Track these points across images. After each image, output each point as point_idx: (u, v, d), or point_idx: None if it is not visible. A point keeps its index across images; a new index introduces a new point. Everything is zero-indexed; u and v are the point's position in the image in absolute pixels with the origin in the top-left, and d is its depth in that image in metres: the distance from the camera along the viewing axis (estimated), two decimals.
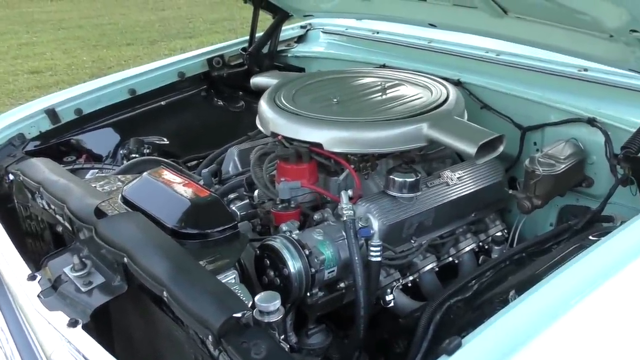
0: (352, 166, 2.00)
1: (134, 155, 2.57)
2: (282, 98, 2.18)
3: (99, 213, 1.74)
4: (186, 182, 1.84)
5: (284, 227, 1.79)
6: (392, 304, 1.91)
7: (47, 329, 1.63)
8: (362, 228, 1.76)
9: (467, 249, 2.15)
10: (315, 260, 1.71)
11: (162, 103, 2.86)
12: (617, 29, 1.63)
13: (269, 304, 1.37)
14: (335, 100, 2.14)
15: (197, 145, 2.75)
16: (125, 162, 2.59)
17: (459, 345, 1.14)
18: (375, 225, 1.74)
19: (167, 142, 2.73)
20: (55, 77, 8.75)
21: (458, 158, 2.36)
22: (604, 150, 2.06)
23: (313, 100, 2.16)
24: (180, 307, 1.37)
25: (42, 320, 1.65)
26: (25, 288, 1.76)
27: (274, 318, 1.37)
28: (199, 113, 2.95)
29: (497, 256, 2.06)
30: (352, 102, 2.14)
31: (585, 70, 2.23)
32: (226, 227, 1.69)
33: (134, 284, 1.64)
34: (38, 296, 1.71)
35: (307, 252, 1.70)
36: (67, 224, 1.97)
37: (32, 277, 1.78)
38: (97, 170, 2.45)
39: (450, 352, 1.14)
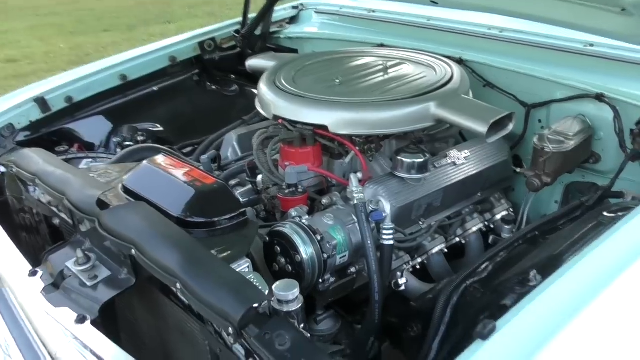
0: (357, 148, 1.95)
1: (127, 143, 2.50)
2: (282, 80, 2.11)
3: (102, 204, 1.68)
4: (189, 169, 1.78)
5: (293, 212, 1.74)
6: (403, 287, 1.87)
7: (52, 327, 1.58)
8: (374, 211, 1.71)
9: (474, 229, 2.12)
10: (328, 245, 1.66)
11: (155, 88, 2.78)
12: (635, 3, 1.59)
13: (288, 292, 1.33)
14: (337, 81, 2.08)
15: (191, 131, 2.68)
16: (119, 150, 2.52)
17: (493, 330, 1.11)
18: (387, 208, 1.69)
19: (161, 129, 2.66)
20: (33, 66, 8.57)
21: (460, 137, 2.33)
22: (611, 126, 2.04)
23: (315, 82, 2.10)
24: (196, 299, 1.32)
25: (47, 318, 1.60)
26: (27, 284, 1.70)
27: (293, 307, 1.34)
28: (192, 98, 2.88)
29: (508, 235, 2.02)
30: (355, 83, 2.09)
31: (591, 45, 2.19)
32: (234, 214, 1.63)
33: (142, 276, 1.59)
34: (41, 292, 1.65)
35: (318, 238, 1.66)
36: (65, 217, 1.91)
37: (33, 273, 1.72)
38: (90, 160, 2.38)
39: (485, 337, 1.10)
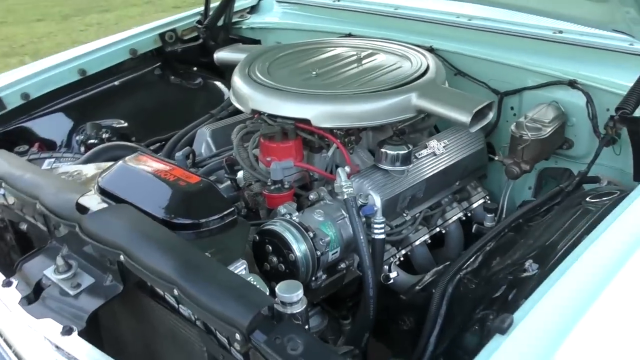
0: (339, 141, 1.92)
1: (92, 141, 2.39)
2: (257, 72, 2.06)
3: (81, 208, 1.59)
4: (170, 167, 1.71)
5: (282, 209, 1.70)
6: (392, 281, 1.86)
7: (33, 340, 1.50)
8: (364, 205, 1.69)
9: (454, 218, 2.13)
10: (321, 242, 1.63)
11: (116, 83, 2.67)
12: None
13: (292, 294, 1.28)
14: (314, 73, 2.04)
15: (156, 127, 2.59)
16: (82, 149, 2.41)
17: (511, 323, 1.10)
18: (377, 201, 1.68)
19: (126, 125, 2.55)
20: None
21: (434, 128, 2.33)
22: (584, 111, 2.08)
23: (291, 74, 2.06)
24: (196, 305, 1.27)
25: (27, 331, 1.51)
26: (1, 296, 1.60)
27: (297, 309, 1.29)
28: (155, 92, 2.78)
29: (491, 224, 2.04)
30: (332, 74, 2.05)
31: (561, 32, 2.22)
32: (224, 214, 1.58)
33: (129, 283, 1.52)
34: (19, 304, 1.56)
35: (311, 235, 1.62)
36: (37, 222, 1.81)
37: (7, 283, 1.63)
38: (54, 160, 2.26)
39: (504, 331, 1.09)
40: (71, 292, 1.54)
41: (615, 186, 1.93)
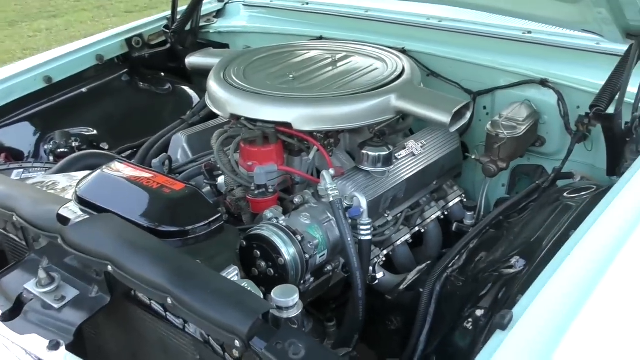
0: (319, 143, 1.92)
1: (61, 150, 2.33)
2: (233, 77, 2.04)
3: (63, 219, 1.55)
4: (152, 175, 1.68)
5: (268, 214, 1.69)
6: (377, 281, 1.87)
7: (17, 357, 1.45)
8: (350, 207, 1.69)
9: (433, 217, 2.16)
10: (309, 245, 1.63)
11: (83, 90, 2.61)
12: None
13: (288, 298, 1.29)
14: (291, 76, 2.04)
15: (127, 133, 2.54)
16: (52, 158, 2.35)
17: (511, 319, 1.12)
18: (363, 203, 1.68)
19: (95, 133, 2.49)
20: None
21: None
22: (555, 109, 2.13)
23: (268, 77, 2.05)
24: (192, 314, 1.25)
25: (11, 347, 1.46)
26: None
27: (293, 313, 1.30)
28: (124, 98, 2.72)
29: (471, 222, 2.07)
30: (309, 77, 2.05)
31: (529, 32, 2.28)
32: (210, 220, 1.56)
33: (117, 293, 1.48)
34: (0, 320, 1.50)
35: (299, 238, 1.62)
36: (13, 235, 1.75)
37: None
38: (22, 170, 2.19)
39: (504, 327, 1.11)
40: (55, 305, 1.49)
41: (589, 181, 1.99)
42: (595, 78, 2.04)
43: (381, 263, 1.94)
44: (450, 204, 2.23)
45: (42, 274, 1.52)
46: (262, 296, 1.36)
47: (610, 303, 1.15)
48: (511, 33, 2.31)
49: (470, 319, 1.44)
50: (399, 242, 2.02)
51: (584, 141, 2.07)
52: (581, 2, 1.80)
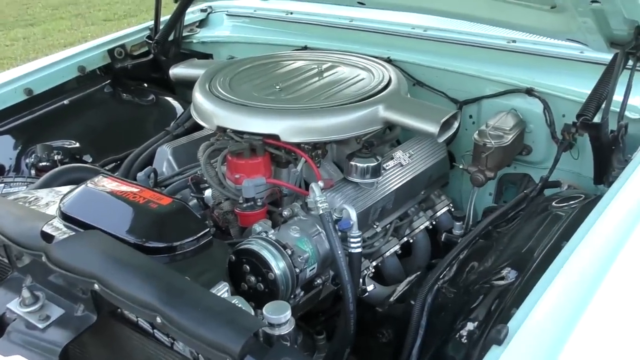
0: (307, 155, 1.91)
1: (43, 164, 2.28)
2: (219, 88, 2.02)
3: (47, 236, 1.51)
4: (139, 189, 1.65)
5: (257, 227, 1.67)
6: (367, 293, 1.85)
7: None
8: (339, 220, 1.68)
9: (422, 227, 2.15)
10: (299, 259, 1.61)
11: (65, 102, 2.57)
12: (578, 1, 1.66)
13: (280, 315, 1.26)
14: (277, 87, 2.02)
15: (110, 146, 2.51)
16: (33, 172, 2.30)
17: (507, 334, 1.11)
18: (353, 215, 1.67)
19: (78, 145, 2.45)
20: None
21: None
22: (541, 118, 2.14)
23: (254, 89, 2.03)
24: (183, 332, 1.22)
25: None
26: None
27: (285, 330, 1.28)
28: (106, 110, 2.69)
29: (460, 232, 2.07)
30: (295, 88, 2.04)
31: (514, 41, 2.29)
32: (199, 235, 1.53)
33: (103, 312, 1.45)
34: None
35: (289, 252, 1.60)
36: None
37: None
38: (3, 185, 2.15)
39: (500, 342, 1.10)
40: (40, 325, 1.45)
41: (576, 190, 1.99)
42: (580, 87, 2.06)
43: (371, 275, 1.93)
44: (438, 214, 2.22)
45: (25, 292, 1.48)
46: (253, 313, 1.34)
47: (606, 315, 1.14)
48: (496, 42, 2.32)
49: (463, 332, 1.43)
50: (388, 254, 2.01)
51: (570, 150, 2.08)
52: (566, 11, 1.80)
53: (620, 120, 1.82)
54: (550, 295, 1.16)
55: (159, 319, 1.26)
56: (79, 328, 1.45)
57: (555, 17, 1.89)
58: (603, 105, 1.79)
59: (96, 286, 1.36)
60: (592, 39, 1.87)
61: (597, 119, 1.80)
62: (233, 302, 1.34)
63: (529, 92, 2.13)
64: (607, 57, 1.92)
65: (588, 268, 1.21)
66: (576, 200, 1.75)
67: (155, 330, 1.38)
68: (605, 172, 1.84)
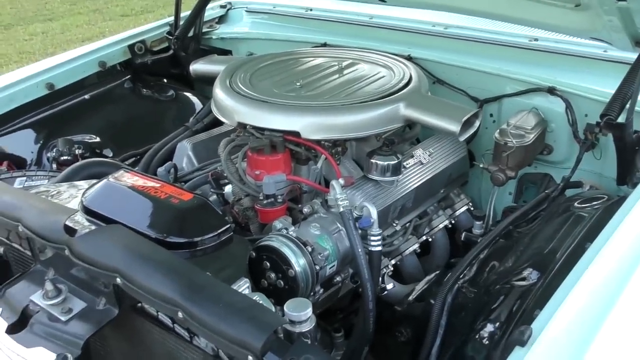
0: (327, 152, 1.90)
1: (64, 158, 2.30)
2: (239, 84, 2.02)
3: (70, 230, 1.52)
4: (160, 184, 1.65)
5: (278, 224, 1.67)
6: (386, 292, 1.85)
7: None
8: (360, 217, 1.67)
9: (441, 226, 2.14)
10: (319, 256, 1.61)
11: (86, 97, 2.58)
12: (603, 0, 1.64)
13: (301, 312, 1.26)
14: (298, 84, 2.02)
15: (130, 141, 2.52)
16: (54, 165, 2.32)
17: (530, 335, 1.10)
18: (374, 213, 1.66)
19: (98, 140, 2.47)
20: None
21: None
22: (563, 117, 2.12)
23: (274, 85, 2.03)
24: (204, 328, 1.23)
25: None
26: None
27: (306, 327, 1.28)
28: (127, 105, 2.70)
29: (479, 231, 2.05)
30: (316, 85, 2.03)
31: (536, 40, 2.27)
32: (220, 231, 1.54)
33: (125, 306, 1.46)
34: (5, 333, 1.48)
35: (309, 249, 1.60)
36: (17, 245, 1.73)
37: None
38: (25, 179, 2.16)
39: (524, 343, 1.09)
40: (62, 318, 1.47)
41: (598, 190, 1.97)
42: (603, 86, 2.03)
43: (390, 273, 1.92)
44: (457, 213, 2.21)
45: (48, 285, 1.50)
46: (273, 309, 1.34)
47: (632, 318, 1.13)
48: (517, 40, 2.30)
49: (483, 333, 1.42)
50: (407, 252, 2.00)
51: (592, 150, 2.06)
52: (590, 10, 1.78)
53: None
54: (574, 297, 1.15)
55: (180, 314, 1.26)
56: (100, 321, 1.46)
57: (580, 16, 1.87)
58: (627, 105, 1.77)
59: (118, 280, 1.37)
60: (617, 37, 1.85)
61: (621, 119, 1.78)
62: (254, 298, 1.34)
63: (551, 91, 2.11)
64: (631, 56, 1.90)
65: (613, 270, 1.20)
66: (599, 201, 1.73)
67: (175, 325, 1.39)
68: (629, 173, 1.82)
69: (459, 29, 2.43)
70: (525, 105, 2.19)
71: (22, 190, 1.82)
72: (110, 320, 1.46)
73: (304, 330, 1.27)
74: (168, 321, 1.40)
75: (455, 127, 1.80)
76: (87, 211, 1.63)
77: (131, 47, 2.76)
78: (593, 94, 2.05)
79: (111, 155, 2.40)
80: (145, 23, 2.99)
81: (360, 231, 1.66)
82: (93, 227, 1.55)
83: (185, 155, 2.18)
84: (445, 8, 2.23)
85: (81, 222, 1.58)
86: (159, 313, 1.40)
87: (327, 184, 1.84)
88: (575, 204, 1.78)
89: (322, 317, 1.89)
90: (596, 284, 1.18)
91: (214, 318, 1.22)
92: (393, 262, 1.97)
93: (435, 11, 2.39)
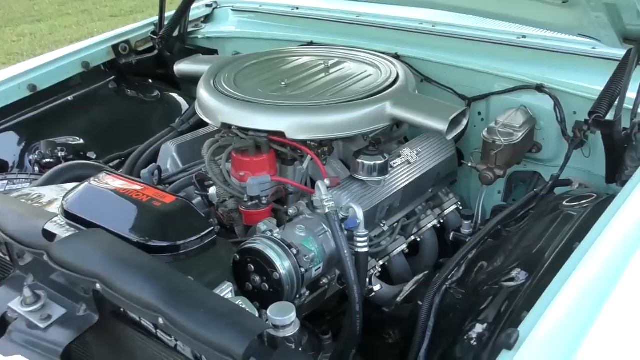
0: (313, 152, 1.88)
1: (47, 160, 2.26)
2: (224, 84, 1.99)
3: (49, 235, 1.49)
4: (142, 187, 1.62)
5: (262, 226, 1.64)
6: (373, 294, 1.82)
7: None
8: (346, 219, 1.65)
9: (429, 225, 2.11)
10: (304, 258, 1.58)
11: (69, 98, 2.54)
12: None
13: (285, 317, 1.24)
14: (283, 83, 1.99)
15: (114, 142, 2.48)
16: (37, 168, 2.28)
17: (518, 338, 1.08)
18: (360, 214, 1.63)
19: (82, 142, 2.43)
20: None
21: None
22: (551, 115, 2.10)
23: (259, 85, 2.00)
24: (185, 334, 1.20)
25: None
26: None
27: (290, 332, 1.25)
28: (111, 106, 2.66)
29: (468, 231, 2.03)
30: (301, 85, 2.01)
31: (524, 37, 2.25)
32: (202, 234, 1.51)
33: (105, 312, 1.43)
34: None
35: (294, 252, 1.57)
36: None
37: None
38: (7, 182, 2.13)
39: (511, 347, 1.07)
40: (41, 325, 1.43)
41: (587, 188, 1.96)
42: (591, 83, 2.02)
43: (377, 274, 1.90)
44: (446, 212, 2.19)
45: (27, 292, 1.47)
46: (257, 314, 1.31)
47: (621, 320, 1.11)
48: (505, 38, 2.28)
49: (472, 334, 1.39)
50: (395, 253, 1.98)
51: (581, 147, 2.04)
52: (578, 6, 1.76)
53: (634, 117, 1.78)
54: (562, 299, 1.12)
55: (161, 320, 1.23)
56: (80, 328, 1.44)
57: (567, 12, 1.85)
58: (616, 103, 1.75)
59: (98, 286, 1.34)
60: (605, 34, 1.83)
61: (609, 117, 1.77)
62: (237, 303, 1.32)
63: (539, 88, 2.09)
64: (619, 52, 1.88)
65: (601, 271, 1.18)
66: (588, 200, 1.71)
67: (158, 331, 1.36)
68: (618, 170, 1.80)
69: (446, 27, 2.41)
70: (513, 103, 2.16)
71: (1, 193, 1.78)
72: (90, 326, 1.43)
73: (287, 335, 1.24)
74: (150, 327, 1.37)
75: (442, 126, 1.78)
76: (68, 215, 1.60)
77: (115, 47, 2.73)
78: (581, 91, 2.03)
79: (95, 157, 2.36)
80: (135, 24, 2.94)
81: (346, 232, 1.64)
82: (73, 232, 1.51)
83: (169, 156, 2.15)
84: (433, 5, 2.21)
85: (61, 226, 1.55)
86: (141, 319, 1.37)
87: (313, 184, 1.81)
88: (564, 203, 1.76)
89: (309, 319, 1.86)
90: (584, 286, 1.15)
91: (196, 324, 1.19)
92: (381, 262, 1.94)
93: (422, 9, 2.36)
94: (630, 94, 1.76)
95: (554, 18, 1.92)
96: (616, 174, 1.80)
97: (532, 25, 2.12)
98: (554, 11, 1.88)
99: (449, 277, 1.64)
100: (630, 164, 1.74)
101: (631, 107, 1.76)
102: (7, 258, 1.63)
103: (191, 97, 2.69)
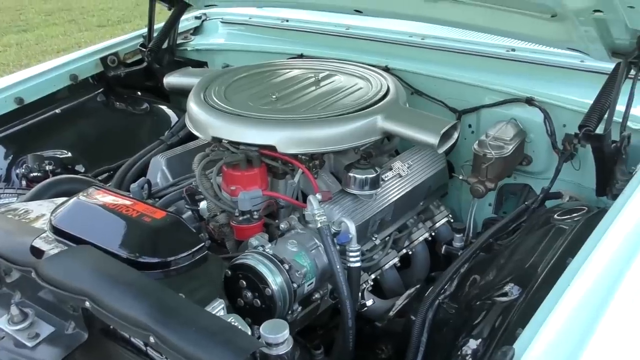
0: (304, 166, 1.87)
1: (34, 174, 2.23)
2: (214, 98, 1.98)
3: (37, 251, 1.47)
4: (132, 202, 1.60)
5: (254, 241, 1.63)
6: (366, 308, 1.81)
7: None
8: (338, 233, 1.64)
9: (421, 238, 2.11)
10: (297, 274, 1.57)
11: (57, 111, 2.52)
12: (579, 10, 1.63)
13: (278, 334, 1.22)
14: (274, 97, 1.98)
15: (103, 156, 2.46)
16: (23, 182, 2.25)
17: (513, 356, 1.07)
18: (352, 228, 1.63)
19: (70, 155, 2.40)
20: None
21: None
22: (542, 128, 2.10)
23: (250, 98, 1.99)
24: (176, 353, 1.18)
25: None
26: None
27: (283, 350, 1.24)
28: (99, 119, 2.64)
29: (460, 244, 2.03)
30: (292, 98, 2.00)
31: (513, 50, 2.26)
32: (193, 250, 1.49)
33: (94, 329, 1.40)
34: None
35: (286, 267, 1.56)
36: None
37: None
38: None
39: None
40: (29, 344, 1.41)
41: (578, 201, 1.96)
42: (580, 96, 2.03)
43: (370, 289, 1.88)
44: (437, 225, 2.19)
45: (14, 310, 1.44)
46: (250, 331, 1.29)
47: (617, 337, 1.10)
48: (495, 51, 2.29)
49: (466, 349, 1.38)
50: (387, 266, 1.97)
51: (571, 160, 2.05)
52: (567, 20, 1.77)
53: (623, 130, 1.79)
54: (557, 315, 1.12)
55: (152, 339, 1.21)
56: (69, 346, 1.41)
57: (556, 26, 1.86)
58: (605, 116, 1.76)
59: (87, 304, 1.31)
60: (594, 48, 1.84)
61: (599, 130, 1.77)
62: (229, 320, 1.30)
63: (529, 101, 2.10)
64: (608, 66, 1.89)
65: (596, 287, 1.17)
66: (579, 213, 1.71)
67: (148, 349, 1.34)
68: (608, 183, 1.81)
69: (436, 40, 2.42)
70: (503, 116, 2.17)
71: None
72: (79, 344, 1.40)
73: (280, 353, 1.23)
74: (141, 345, 1.35)
75: (433, 140, 1.78)
76: (56, 231, 1.58)
77: (104, 60, 2.71)
78: (571, 104, 2.04)
79: (83, 170, 2.34)
80: (123, 33, 2.92)
81: (338, 247, 1.63)
82: (62, 248, 1.49)
83: (159, 170, 2.13)
84: (423, 19, 2.21)
85: (49, 242, 1.53)
86: (130, 337, 1.35)
87: (305, 198, 1.80)
88: (555, 216, 1.76)
89: (301, 334, 1.85)
90: (579, 302, 1.15)
91: (187, 342, 1.18)
92: (373, 276, 1.93)
93: (412, 22, 2.36)
94: (620, 107, 1.77)
95: (542, 31, 1.93)
96: (606, 187, 1.81)
97: (521, 38, 2.13)
98: (543, 25, 1.89)
99: (442, 291, 1.63)
100: (621, 177, 1.74)
101: (620, 120, 1.77)
102: None
103: (180, 109, 2.68)
